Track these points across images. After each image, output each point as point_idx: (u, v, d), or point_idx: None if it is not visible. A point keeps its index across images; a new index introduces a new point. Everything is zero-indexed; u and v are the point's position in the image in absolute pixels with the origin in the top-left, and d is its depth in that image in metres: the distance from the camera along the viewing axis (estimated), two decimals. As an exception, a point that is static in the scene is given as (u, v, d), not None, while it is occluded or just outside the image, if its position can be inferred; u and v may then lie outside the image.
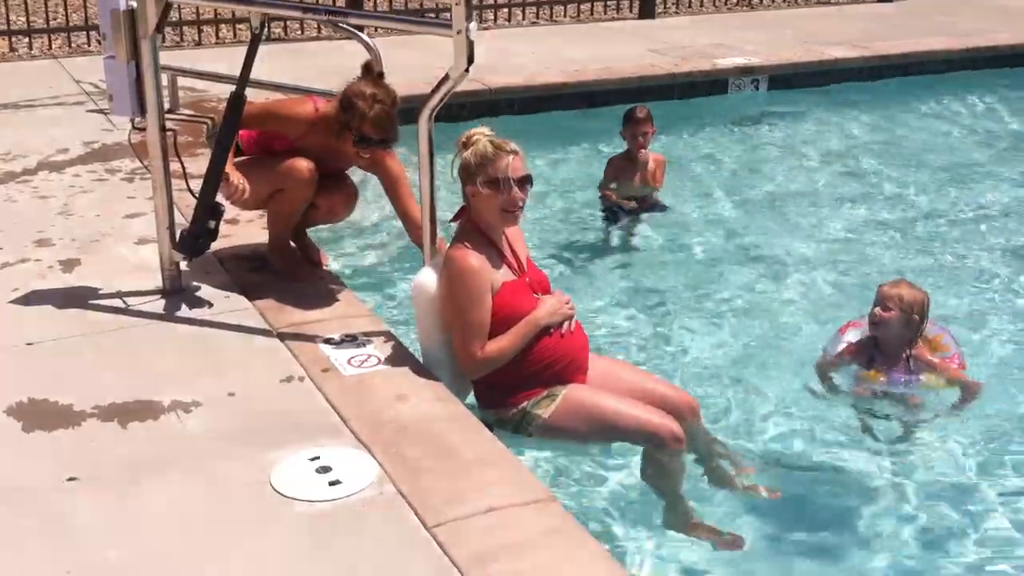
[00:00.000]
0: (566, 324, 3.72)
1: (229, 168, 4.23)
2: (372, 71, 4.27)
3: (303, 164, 4.30)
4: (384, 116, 4.13)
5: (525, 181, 3.65)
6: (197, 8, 9.12)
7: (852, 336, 4.43)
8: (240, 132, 4.33)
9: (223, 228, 4.60)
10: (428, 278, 3.78)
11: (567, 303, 3.75)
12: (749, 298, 5.35)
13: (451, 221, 3.82)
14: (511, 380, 3.67)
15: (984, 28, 10.31)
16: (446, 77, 3.76)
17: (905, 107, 8.72)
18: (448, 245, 3.75)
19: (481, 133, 3.68)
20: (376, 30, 8.84)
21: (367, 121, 4.12)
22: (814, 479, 3.92)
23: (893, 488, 3.83)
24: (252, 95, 4.35)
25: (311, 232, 4.80)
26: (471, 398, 3.85)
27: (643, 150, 6.12)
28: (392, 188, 4.49)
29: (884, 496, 3.79)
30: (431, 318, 3.79)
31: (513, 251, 3.80)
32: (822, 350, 4.52)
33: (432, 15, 9.22)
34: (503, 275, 3.67)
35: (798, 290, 5.46)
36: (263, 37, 4.28)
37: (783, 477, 3.89)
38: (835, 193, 6.87)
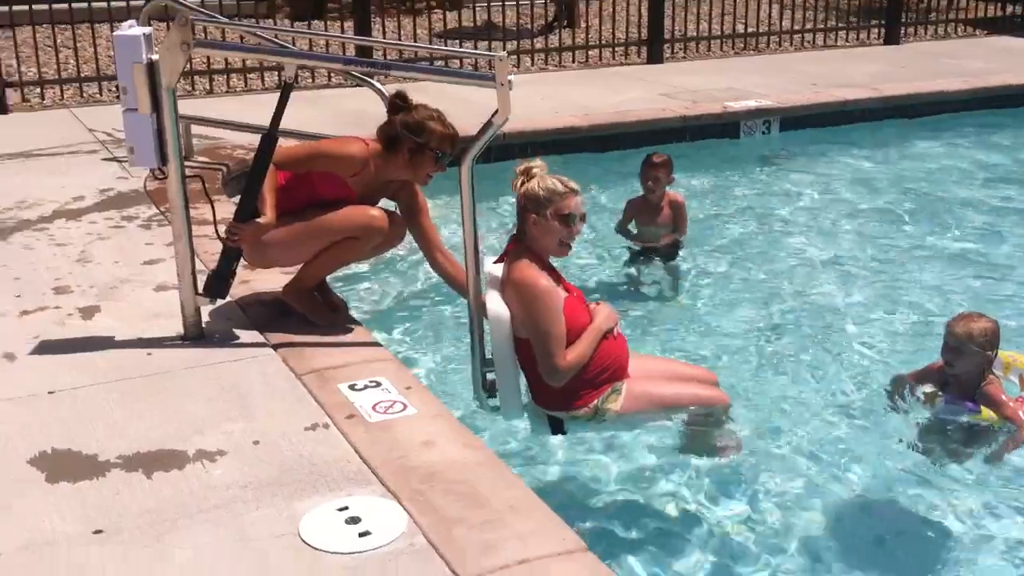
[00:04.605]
0: (616, 328, 4.02)
1: (265, 220, 4.26)
2: (407, 99, 4.40)
3: (377, 212, 4.38)
4: (454, 130, 4.37)
5: (584, 219, 3.98)
6: (208, 57, 9.16)
7: None
8: (280, 176, 4.34)
9: (243, 274, 4.59)
10: (501, 307, 3.91)
11: (613, 311, 4.07)
12: (772, 337, 5.35)
13: (496, 262, 3.99)
14: (578, 383, 3.89)
15: (992, 69, 10.35)
16: (489, 124, 3.91)
17: (915, 146, 8.76)
18: (512, 269, 3.88)
19: (539, 166, 3.93)
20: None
21: (446, 139, 4.33)
22: (850, 498, 4.03)
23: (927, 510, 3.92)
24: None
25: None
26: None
27: (654, 193, 6.11)
28: (417, 212, 4.54)
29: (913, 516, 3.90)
30: (507, 342, 3.92)
31: (555, 270, 4.04)
32: None
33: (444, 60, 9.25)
34: (561, 293, 3.90)
35: (823, 327, 5.45)
36: (294, 86, 4.33)
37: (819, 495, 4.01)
38: (849, 232, 6.86)
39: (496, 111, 3.88)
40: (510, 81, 3.82)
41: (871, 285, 6.02)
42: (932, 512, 3.91)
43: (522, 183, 3.91)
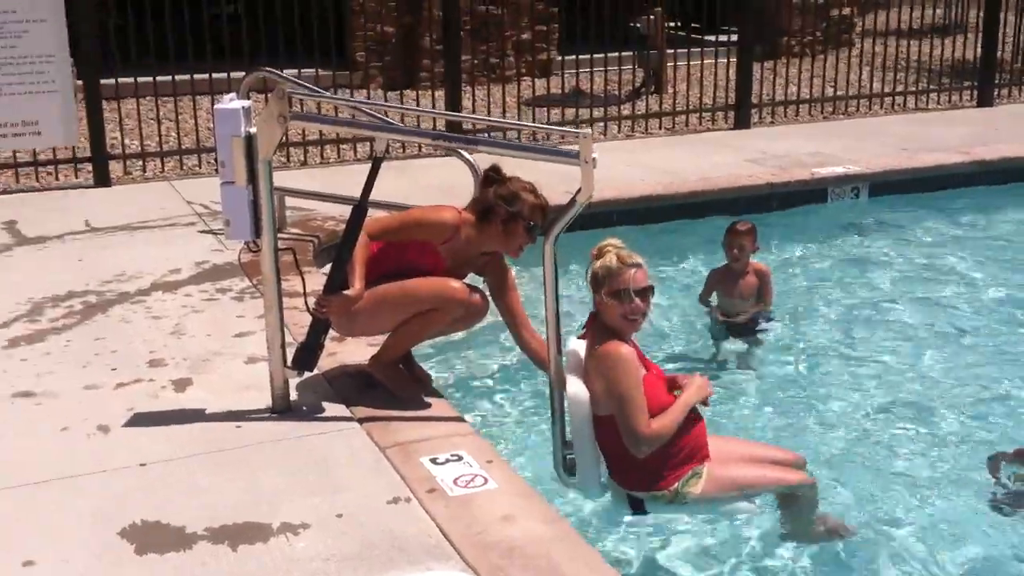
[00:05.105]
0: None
1: (353, 292, 4.36)
2: (501, 171, 4.54)
3: (457, 285, 4.46)
4: (546, 202, 4.49)
5: (647, 292, 3.95)
6: (303, 129, 9.41)
7: None
8: (372, 247, 4.45)
9: (329, 346, 4.69)
10: (580, 388, 3.97)
11: (708, 386, 4.04)
12: (862, 413, 5.25)
13: (579, 338, 4.03)
14: (657, 463, 3.88)
15: (1089, 130, 10.14)
16: (572, 202, 3.96)
17: (1009, 212, 8.55)
18: (592, 343, 3.95)
19: (612, 245, 3.99)
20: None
21: (538, 208, 4.45)
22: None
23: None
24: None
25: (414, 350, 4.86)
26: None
27: (739, 262, 6.07)
28: (505, 288, 4.62)
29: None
30: (586, 423, 3.97)
31: (637, 348, 4.05)
32: None
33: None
34: (641, 368, 3.91)
35: (915, 402, 5.35)
36: (383, 159, 4.47)
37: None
38: (942, 303, 6.72)
39: (580, 189, 3.94)
40: (594, 159, 3.87)
41: (966, 357, 5.89)
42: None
43: (590, 263, 3.99)
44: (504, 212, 4.43)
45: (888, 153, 9.36)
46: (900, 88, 11.80)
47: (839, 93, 11.56)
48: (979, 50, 11.94)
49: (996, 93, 11.97)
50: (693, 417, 3.98)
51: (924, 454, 4.82)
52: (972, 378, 5.63)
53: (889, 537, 4.16)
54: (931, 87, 12.04)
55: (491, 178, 4.56)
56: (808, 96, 11.44)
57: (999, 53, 12.09)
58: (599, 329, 3.97)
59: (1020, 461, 4.42)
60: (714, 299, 6.21)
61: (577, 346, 4.02)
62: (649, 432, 3.80)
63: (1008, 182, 9.06)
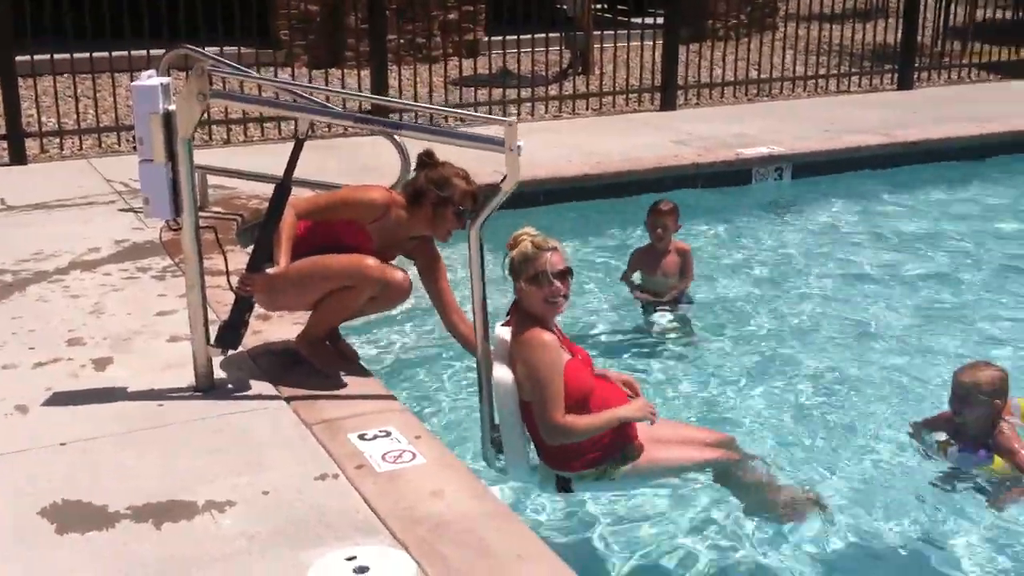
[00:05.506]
0: (653, 420, 4.00)
1: (276, 270, 4.31)
2: (434, 156, 4.52)
3: (372, 262, 4.40)
4: (477, 189, 4.47)
5: (565, 274, 3.92)
6: (226, 107, 9.26)
7: None
8: (300, 225, 4.41)
9: (254, 324, 4.63)
10: (504, 372, 3.95)
11: (652, 411, 3.99)
12: (784, 387, 5.32)
13: (504, 325, 4.00)
14: (584, 446, 3.88)
15: (1007, 113, 10.36)
16: (497, 190, 3.94)
17: (929, 193, 8.73)
18: (515, 330, 3.93)
19: (526, 233, 3.96)
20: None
21: (468, 195, 4.43)
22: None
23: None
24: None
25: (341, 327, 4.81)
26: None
27: (662, 241, 6.10)
28: (435, 272, 4.62)
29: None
30: (509, 407, 3.94)
31: (561, 333, 4.03)
32: None
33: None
34: (564, 354, 3.89)
35: (835, 375, 5.43)
36: (307, 138, 4.42)
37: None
38: (862, 279, 6.85)
39: (504, 177, 3.92)
40: (519, 147, 3.85)
41: (884, 331, 6.00)
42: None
43: (507, 254, 3.96)
44: (435, 196, 4.42)
45: (810, 135, 9.48)
46: (823, 71, 11.95)
47: (763, 76, 11.68)
48: (899, 34, 12.14)
49: (916, 76, 12.18)
50: (622, 396, 4.00)
51: (850, 425, 4.90)
52: (896, 348, 5.76)
53: (821, 504, 4.21)
54: (853, 70, 12.22)
55: (424, 162, 4.55)
56: (733, 78, 11.55)
57: (919, 37, 12.31)
58: (521, 316, 3.95)
59: (931, 429, 4.50)
60: (637, 278, 6.24)
61: (504, 332, 4.01)
62: (562, 423, 3.78)
63: (926, 163, 9.24)
